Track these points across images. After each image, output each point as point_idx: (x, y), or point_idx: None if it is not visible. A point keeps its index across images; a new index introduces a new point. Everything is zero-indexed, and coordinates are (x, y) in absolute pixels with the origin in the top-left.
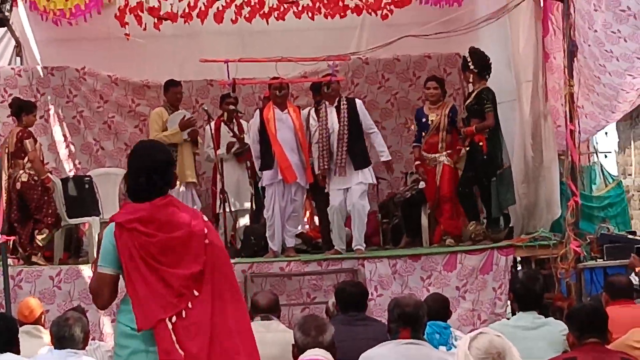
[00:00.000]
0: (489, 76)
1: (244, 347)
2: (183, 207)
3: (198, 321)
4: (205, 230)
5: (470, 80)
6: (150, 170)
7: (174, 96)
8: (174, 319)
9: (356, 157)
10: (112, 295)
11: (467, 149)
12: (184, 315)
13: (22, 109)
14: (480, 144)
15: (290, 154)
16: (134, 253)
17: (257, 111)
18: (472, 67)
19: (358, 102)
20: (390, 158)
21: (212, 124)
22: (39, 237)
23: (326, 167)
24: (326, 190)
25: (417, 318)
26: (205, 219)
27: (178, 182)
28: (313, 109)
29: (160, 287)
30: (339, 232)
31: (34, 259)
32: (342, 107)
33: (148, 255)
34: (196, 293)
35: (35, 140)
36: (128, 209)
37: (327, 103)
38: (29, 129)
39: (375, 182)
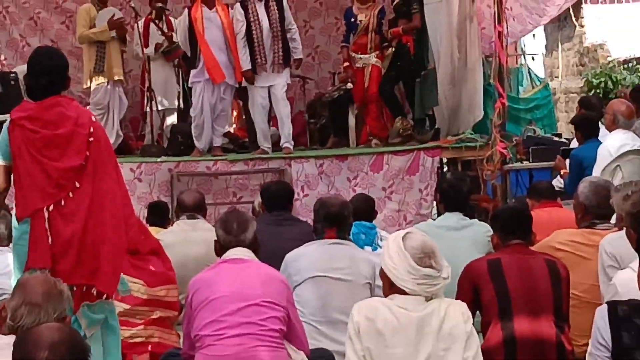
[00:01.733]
0: None
1: (114, 236)
2: (71, 108)
3: (75, 209)
4: (91, 129)
5: None
6: (51, 72)
7: None
8: (51, 207)
9: (286, 54)
10: (6, 183)
11: (394, 49)
12: (62, 203)
13: None
14: (408, 44)
15: (219, 54)
16: (22, 147)
17: (185, 10)
18: None
19: None
20: (302, 57)
21: (141, 21)
22: None
23: (264, 62)
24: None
25: (342, 218)
26: (94, 119)
27: (106, 79)
28: (239, 4)
29: (41, 179)
30: (264, 131)
31: None
32: (270, 2)
33: (33, 148)
34: (77, 184)
35: None
36: (21, 107)
37: None
38: None
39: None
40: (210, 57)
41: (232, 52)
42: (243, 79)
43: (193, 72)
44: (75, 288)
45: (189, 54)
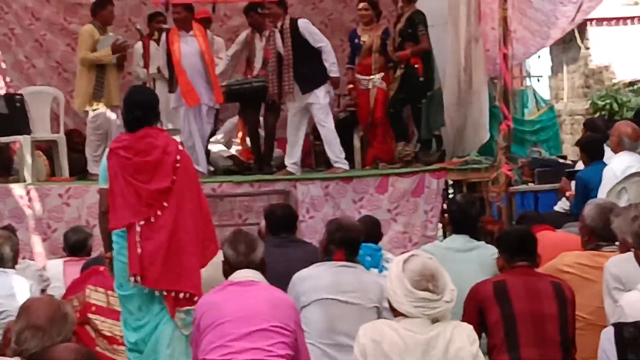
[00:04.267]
0: None
1: (192, 249)
2: (160, 138)
3: (163, 225)
4: (178, 157)
5: (400, 4)
6: (143, 106)
7: (108, 14)
8: (142, 222)
9: (302, 81)
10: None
11: (403, 71)
12: (152, 220)
13: None
14: (416, 66)
15: (197, 77)
16: (117, 172)
17: (163, 34)
18: None
19: (300, 21)
20: (338, 75)
21: (140, 43)
22: None
23: (276, 91)
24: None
25: (357, 242)
26: (181, 147)
27: (104, 106)
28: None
29: (133, 199)
30: (292, 145)
31: None
32: (285, 29)
33: (127, 173)
34: (165, 204)
35: None
36: (117, 138)
37: (272, 26)
38: None
39: (332, 97)
40: (185, 81)
41: (210, 75)
42: (222, 101)
43: (172, 96)
44: (165, 293)
45: (166, 77)
